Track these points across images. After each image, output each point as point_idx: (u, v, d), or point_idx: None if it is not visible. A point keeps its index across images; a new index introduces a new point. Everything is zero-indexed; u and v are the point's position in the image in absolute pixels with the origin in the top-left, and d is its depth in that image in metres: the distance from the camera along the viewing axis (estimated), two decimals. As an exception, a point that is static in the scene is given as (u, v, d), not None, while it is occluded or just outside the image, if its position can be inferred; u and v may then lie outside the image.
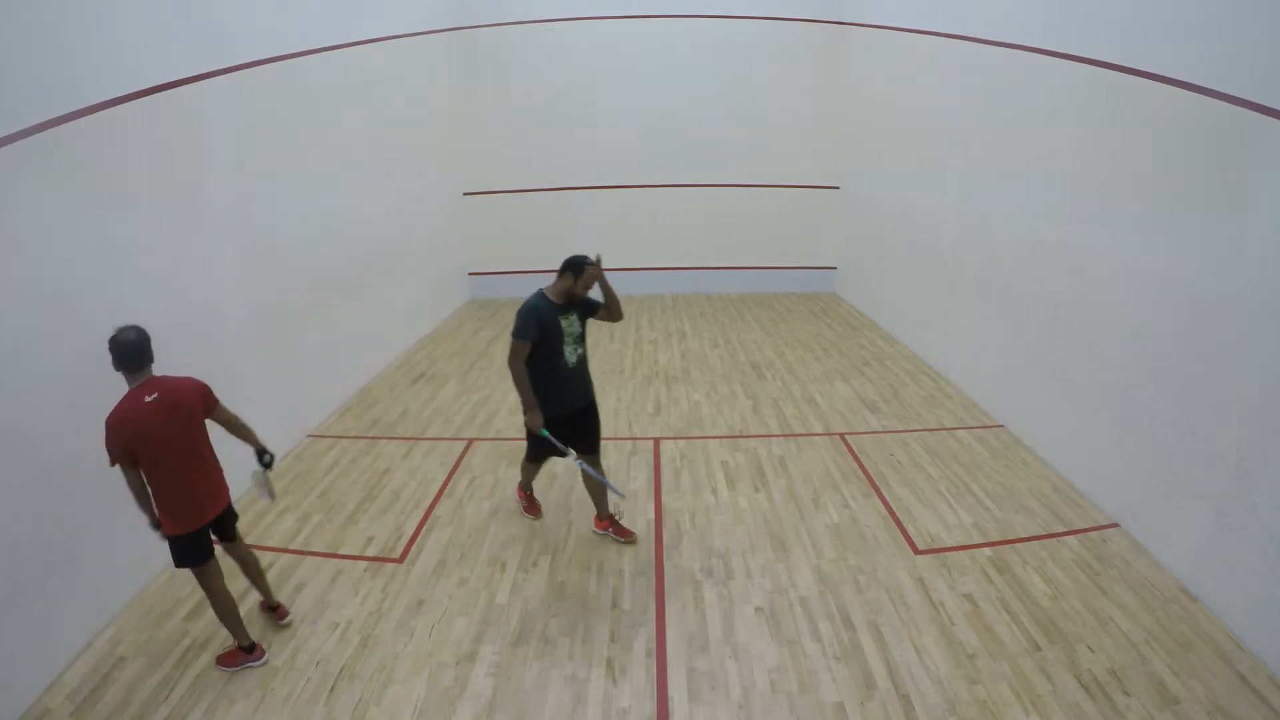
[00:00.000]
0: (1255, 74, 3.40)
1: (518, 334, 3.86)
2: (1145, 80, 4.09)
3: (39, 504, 3.31)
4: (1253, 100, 3.39)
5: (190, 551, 3.26)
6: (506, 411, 6.36)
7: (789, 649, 3.46)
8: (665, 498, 4.84)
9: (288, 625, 3.67)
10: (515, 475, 5.19)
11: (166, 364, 4.19)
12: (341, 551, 4.30)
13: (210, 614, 3.72)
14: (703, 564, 4.13)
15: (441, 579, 4.04)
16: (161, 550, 4.13)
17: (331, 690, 3.24)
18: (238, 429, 3.52)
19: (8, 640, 3.09)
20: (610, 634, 3.59)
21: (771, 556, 4.18)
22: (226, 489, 3.44)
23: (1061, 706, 3.06)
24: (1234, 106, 3.50)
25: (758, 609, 3.75)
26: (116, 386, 3.80)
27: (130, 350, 3.10)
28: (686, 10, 9.68)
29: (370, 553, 4.28)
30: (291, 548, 4.33)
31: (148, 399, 3.12)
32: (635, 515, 4.64)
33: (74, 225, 3.53)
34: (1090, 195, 4.70)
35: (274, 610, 3.71)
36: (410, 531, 4.49)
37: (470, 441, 5.77)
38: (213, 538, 3.38)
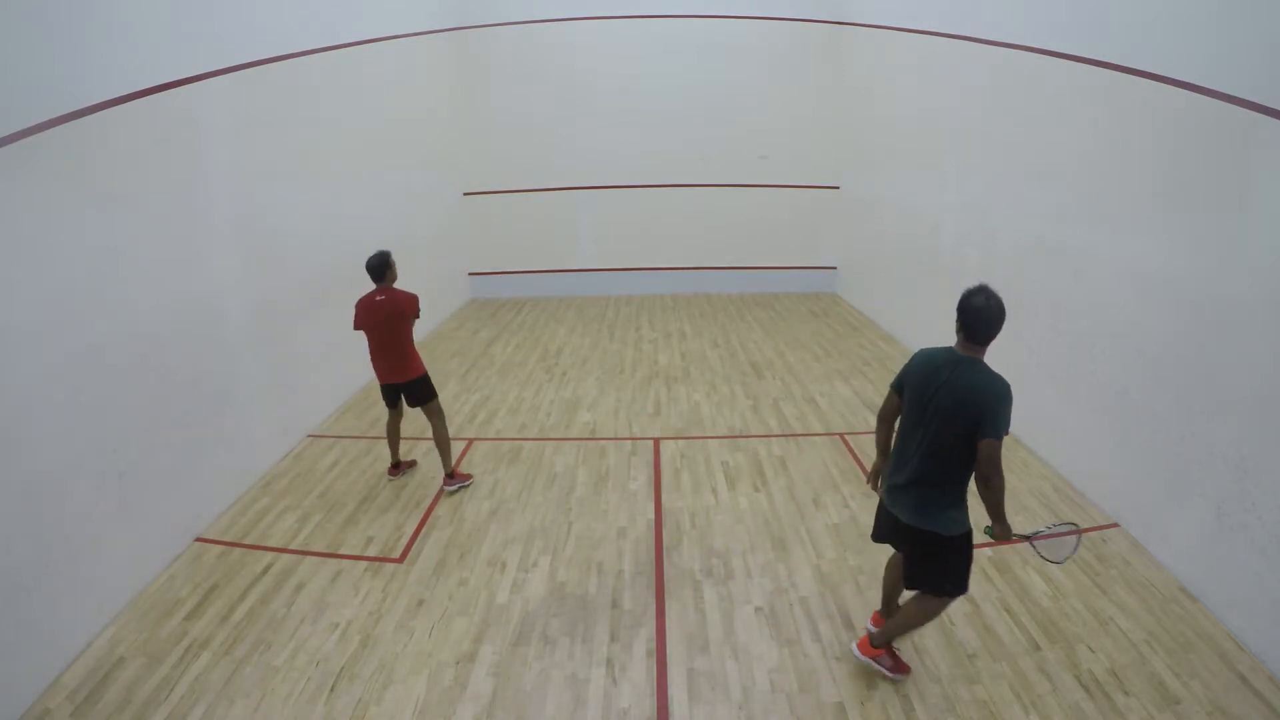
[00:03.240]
0: (1255, 73, 3.40)
1: (1004, 431, 2.94)
2: (1145, 80, 4.09)
3: (39, 504, 3.30)
4: (1252, 100, 3.38)
5: (384, 396, 5.01)
6: (506, 411, 6.36)
7: (789, 649, 3.46)
8: (665, 498, 4.84)
9: (453, 493, 4.88)
10: (515, 475, 5.20)
11: (166, 363, 4.21)
12: (341, 551, 4.30)
13: (210, 614, 3.74)
14: (703, 564, 4.13)
15: (441, 579, 4.04)
16: (161, 550, 4.19)
17: (331, 690, 3.24)
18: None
19: (8, 640, 3.09)
20: (610, 634, 3.59)
21: (771, 556, 4.18)
22: (412, 371, 4.84)
23: (1061, 706, 3.06)
24: (1233, 106, 3.50)
25: (758, 609, 3.75)
26: (116, 387, 3.83)
27: (372, 267, 4.72)
28: (686, 10, 9.69)
29: (370, 553, 4.28)
30: (291, 548, 4.33)
31: (378, 298, 4.71)
32: (636, 515, 4.64)
33: (74, 225, 3.53)
34: (1090, 195, 4.70)
35: (449, 476, 4.94)
36: (410, 531, 4.49)
37: (470, 441, 5.77)
38: (402, 399, 4.97)
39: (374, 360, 4.87)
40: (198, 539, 4.40)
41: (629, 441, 5.71)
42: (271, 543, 4.39)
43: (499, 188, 10.24)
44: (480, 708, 3.15)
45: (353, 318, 4.83)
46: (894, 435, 3.15)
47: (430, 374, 5.03)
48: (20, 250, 3.25)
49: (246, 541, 4.40)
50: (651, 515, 4.62)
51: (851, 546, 4.24)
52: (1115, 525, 4.38)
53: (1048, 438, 5.24)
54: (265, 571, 4.10)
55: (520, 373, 7.35)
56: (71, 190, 3.53)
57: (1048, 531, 3.11)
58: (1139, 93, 4.14)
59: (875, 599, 3.77)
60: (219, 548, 4.33)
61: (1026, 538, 3.05)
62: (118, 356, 3.81)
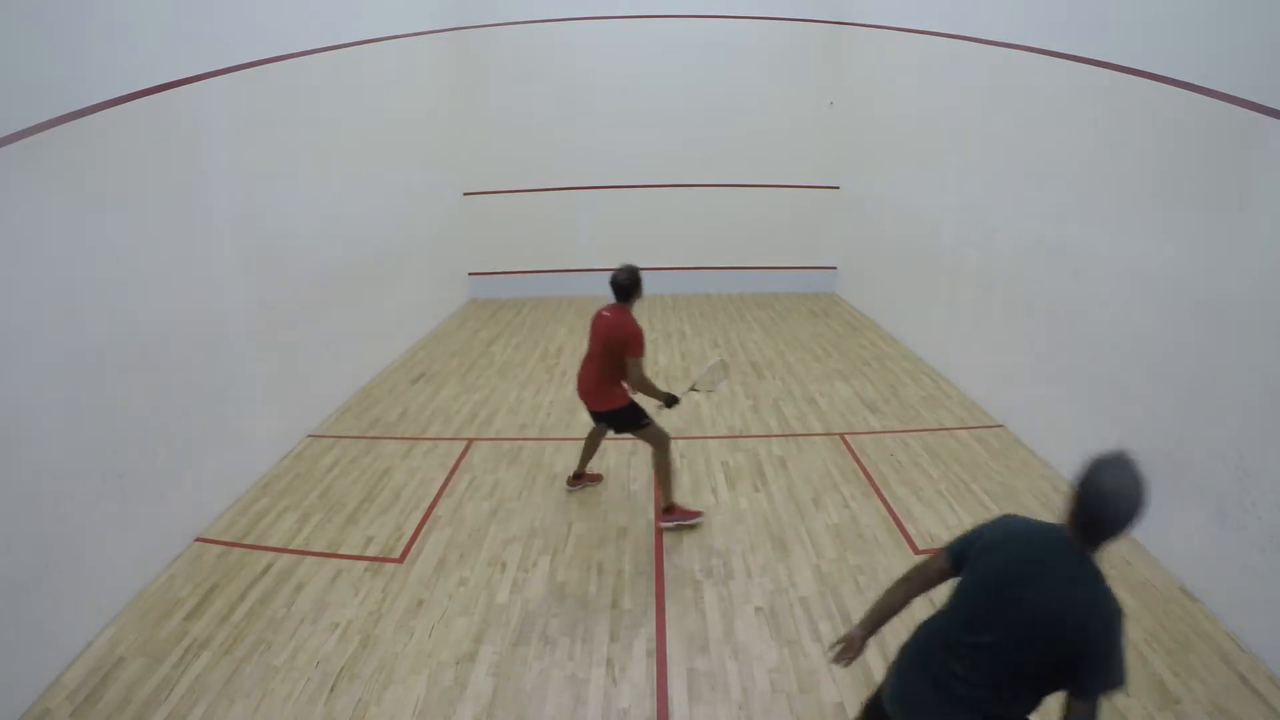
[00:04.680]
0: (1255, 74, 3.40)
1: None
2: (1145, 80, 4.09)
3: (39, 503, 3.30)
4: (1252, 100, 3.39)
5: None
6: (506, 411, 6.36)
7: (789, 649, 3.46)
8: (665, 498, 4.84)
9: (670, 529, 4.44)
10: (514, 475, 5.20)
11: (166, 363, 4.21)
12: (341, 551, 4.30)
13: (210, 614, 3.74)
14: (703, 564, 4.13)
15: (441, 579, 4.04)
16: (161, 550, 4.19)
17: (331, 690, 3.24)
18: (637, 385, 4.25)
19: (7, 640, 3.09)
20: (610, 634, 3.59)
21: (771, 556, 4.18)
22: (605, 401, 4.39)
23: (1062, 706, 3.06)
24: (1233, 106, 3.50)
25: (758, 609, 3.75)
26: (116, 387, 3.83)
27: (617, 282, 4.32)
28: (686, 10, 9.68)
29: (370, 553, 4.28)
30: (291, 548, 4.33)
31: (606, 313, 4.35)
32: (635, 515, 4.64)
33: (74, 225, 3.53)
34: (1090, 195, 4.70)
35: (666, 511, 4.47)
36: (410, 531, 4.50)
37: (470, 441, 5.77)
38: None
39: (578, 376, 4.57)
40: (198, 539, 4.40)
41: (629, 442, 5.71)
42: (271, 543, 4.39)
43: (499, 188, 10.24)
44: (480, 708, 3.15)
45: None
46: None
47: (429, 375, 5.00)
48: (20, 250, 3.25)
49: (246, 541, 4.40)
50: (651, 515, 4.62)
51: (851, 546, 4.24)
52: (1115, 525, 4.38)
53: (1048, 437, 5.24)
54: (265, 571, 4.10)
55: (520, 373, 7.35)
56: (71, 190, 3.53)
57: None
58: (1139, 93, 4.14)
59: (875, 599, 3.76)
60: (219, 548, 4.33)
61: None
62: (118, 356, 3.81)
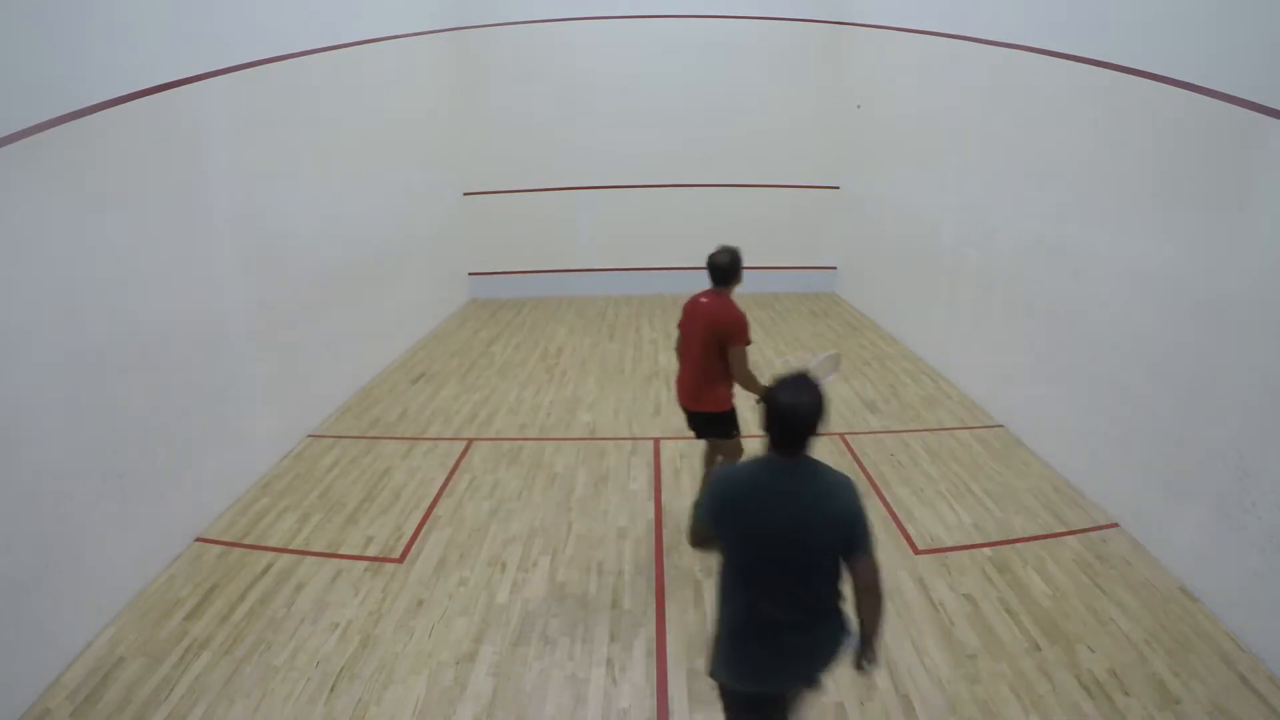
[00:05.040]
0: (1255, 74, 3.40)
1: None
2: (1145, 80, 4.09)
3: (39, 503, 3.30)
4: (1252, 100, 3.39)
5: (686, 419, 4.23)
6: (506, 411, 6.36)
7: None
8: (665, 497, 4.84)
9: None
10: (514, 475, 5.20)
11: (166, 363, 4.21)
12: (341, 551, 4.30)
13: (210, 614, 3.73)
14: (703, 564, 4.12)
15: (441, 579, 4.04)
16: (161, 550, 4.20)
17: (331, 690, 3.24)
18: (741, 377, 3.85)
19: (7, 640, 3.09)
20: (610, 634, 3.59)
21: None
22: (706, 401, 4.00)
23: (1061, 706, 3.06)
24: (1234, 106, 3.50)
25: (758, 609, 3.74)
26: (116, 387, 3.83)
27: (716, 265, 3.96)
28: (686, 10, 9.68)
29: (370, 553, 4.28)
30: (291, 548, 4.33)
31: (703, 299, 3.98)
32: (635, 515, 4.64)
33: (74, 225, 3.53)
34: (1090, 195, 4.70)
35: None
36: (410, 531, 4.49)
37: (470, 441, 5.77)
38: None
39: (677, 371, 4.17)
40: (198, 539, 4.40)
41: (629, 442, 5.71)
42: (271, 543, 4.39)
43: (499, 188, 10.24)
44: (480, 708, 3.15)
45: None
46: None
47: (429, 375, 4.99)
48: (20, 250, 3.25)
49: (246, 541, 4.40)
50: (651, 515, 4.62)
51: (851, 546, 4.24)
52: (1115, 525, 4.38)
53: (1048, 438, 5.24)
54: (265, 571, 4.10)
55: (520, 373, 7.35)
56: (71, 190, 3.53)
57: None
58: (1139, 93, 4.14)
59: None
60: (219, 548, 4.33)
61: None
62: (118, 356, 3.81)
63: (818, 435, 2.17)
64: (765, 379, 2.82)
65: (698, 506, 2.76)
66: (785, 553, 2.17)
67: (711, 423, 4.08)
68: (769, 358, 7.66)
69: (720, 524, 2.26)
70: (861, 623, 2.29)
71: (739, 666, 2.34)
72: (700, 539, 2.86)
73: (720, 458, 4.15)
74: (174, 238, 4.32)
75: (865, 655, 2.32)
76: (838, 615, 2.31)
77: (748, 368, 3.79)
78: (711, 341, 3.83)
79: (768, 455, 2.22)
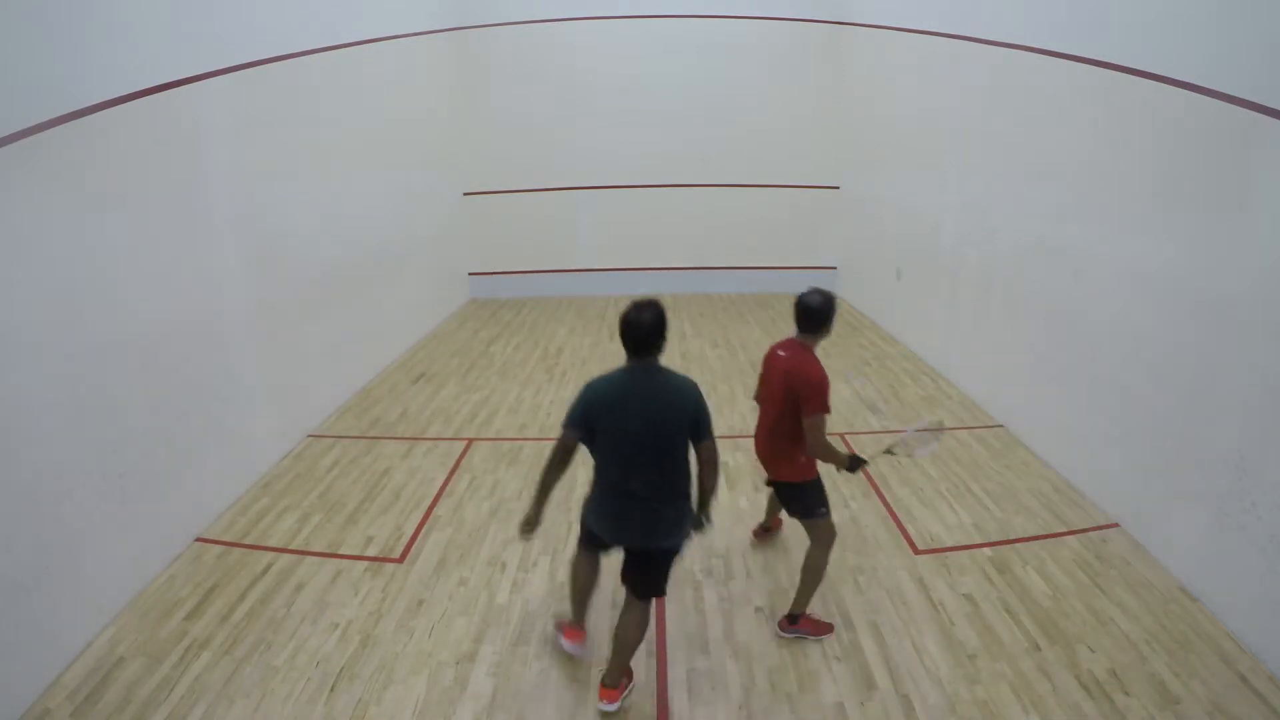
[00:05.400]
0: (1255, 74, 3.40)
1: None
2: (1145, 80, 4.09)
3: (39, 503, 3.30)
4: (1252, 100, 3.39)
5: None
6: (506, 411, 6.36)
7: (789, 649, 3.46)
8: (665, 498, 4.83)
9: (790, 639, 3.53)
10: (514, 475, 5.20)
11: (166, 363, 4.21)
12: (341, 551, 4.30)
13: (210, 614, 3.73)
14: (703, 564, 4.13)
15: (441, 579, 4.04)
16: (161, 550, 4.20)
17: (331, 690, 3.24)
18: (815, 452, 3.32)
19: (7, 640, 3.09)
20: (610, 634, 3.58)
21: (771, 557, 4.18)
22: (783, 470, 3.49)
23: (1061, 706, 3.06)
24: (1233, 106, 3.50)
25: (758, 609, 3.75)
26: (116, 387, 3.83)
27: (806, 308, 3.35)
28: (686, 10, 9.68)
29: (370, 553, 4.28)
30: (291, 548, 4.33)
31: (781, 352, 3.43)
32: (635, 515, 4.64)
33: (74, 225, 3.53)
34: (1090, 195, 4.70)
35: (791, 619, 3.54)
36: (410, 531, 4.49)
37: (470, 441, 5.77)
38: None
39: (757, 423, 3.63)
40: (198, 539, 4.40)
41: (629, 441, 5.70)
42: (271, 543, 4.38)
43: (499, 188, 10.24)
44: (480, 708, 3.15)
45: None
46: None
47: (429, 375, 4.98)
48: (20, 250, 3.25)
49: (246, 541, 4.40)
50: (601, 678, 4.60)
51: (851, 546, 4.24)
52: (1115, 525, 4.38)
53: (1048, 438, 5.24)
54: (265, 571, 4.10)
55: (520, 373, 7.35)
56: (71, 190, 3.53)
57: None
58: (1139, 93, 4.14)
59: (875, 599, 3.77)
60: (219, 548, 4.33)
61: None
62: (118, 356, 3.81)
63: (662, 345, 2.91)
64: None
65: (571, 412, 2.97)
66: (646, 441, 2.86)
67: (791, 497, 3.55)
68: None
69: (595, 421, 2.90)
70: (702, 489, 3.01)
71: (600, 521, 3.11)
72: (563, 453, 3.02)
73: (811, 545, 3.52)
74: (174, 238, 4.32)
75: (703, 514, 3.07)
76: (684, 500, 3.01)
77: (823, 437, 3.24)
78: (788, 401, 3.30)
79: (628, 365, 2.92)
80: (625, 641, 3.10)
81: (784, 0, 9.66)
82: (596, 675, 3.31)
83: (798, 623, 3.50)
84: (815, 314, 3.30)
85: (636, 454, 2.89)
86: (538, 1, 9.68)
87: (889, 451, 3.59)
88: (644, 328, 2.85)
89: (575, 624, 3.47)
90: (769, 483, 3.70)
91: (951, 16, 6.54)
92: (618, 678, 3.13)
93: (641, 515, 2.96)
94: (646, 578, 3.09)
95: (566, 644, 3.42)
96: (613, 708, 3.09)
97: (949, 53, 6.56)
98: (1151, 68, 4.05)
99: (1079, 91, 4.76)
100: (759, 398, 3.64)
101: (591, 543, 3.30)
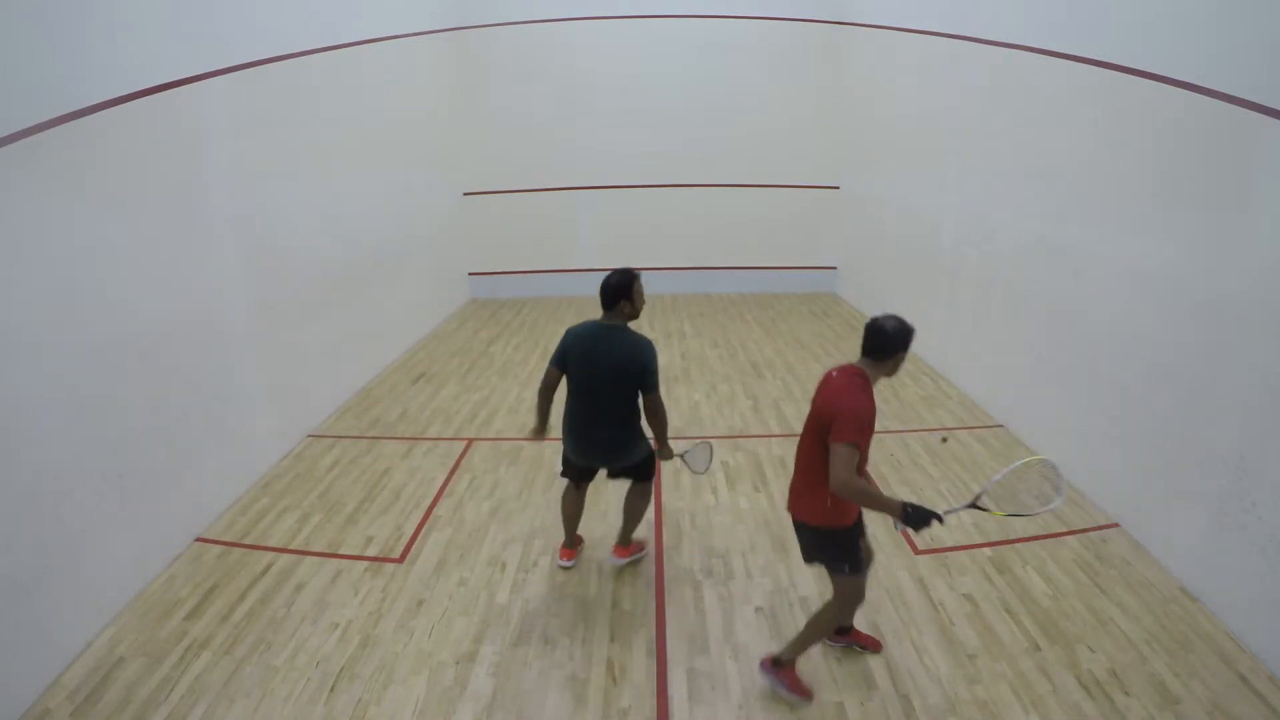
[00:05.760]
0: (1255, 73, 3.40)
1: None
2: (1145, 80, 4.09)
3: (39, 504, 3.30)
4: (1252, 100, 3.39)
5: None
6: (506, 411, 6.36)
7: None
8: (665, 498, 4.83)
9: None
10: (514, 475, 5.20)
11: (166, 363, 4.21)
12: (341, 551, 4.30)
13: (210, 614, 3.73)
14: (703, 564, 4.13)
15: (441, 579, 4.04)
16: (161, 550, 4.19)
17: (331, 690, 3.24)
18: (841, 487, 2.76)
19: (7, 640, 3.09)
20: (610, 634, 3.59)
21: (772, 557, 4.18)
22: (807, 510, 3.00)
23: (1061, 706, 3.06)
24: (1233, 106, 3.50)
25: (758, 609, 3.75)
26: (116, 387, 3.82)
27: (880, 331, 2.86)
28: (686, 10, 9.68)
29: (370, 553, 4.28)
30: (291, 548, 4.33)
31: (833, 374, 2.98)
32: (635, 515, 4.64)
33: (73, 225, 3.53)
34: (1090, 195, 4.70)
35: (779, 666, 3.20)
36: (410, 531, 4.49)
37: (470, 441, 5.77)
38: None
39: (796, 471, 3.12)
40: (198, 539, 4.40)
41: (629, 441, 5.70)
42: (271, 543, 4.38)
43: (499, 188, 10.24)
44: (480, 708, 3.15)
45: None
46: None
47: (429, 375, 4.96)
48: (20, 250, 3.25)
49: (246, 541, 4.40)
50: (651, 515, 4.62)
51: (851, 546, 4.24)
52: (1115, 525, 4.38)
53: (1048, 438, 5.24)
54: (265, 571, 4.10)
55: (520, 373, 7.35)
56: (71, 190, 3.53)
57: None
58: (1139, 93, 4.14)
59: (875, 599, 3.77)
60: (219, 548, 4.33)
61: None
62: (118, 356, 3.81)
63: (623, 302, 3.57)
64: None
65: (555, 353, 3.67)
66: (605, 384, 3.57)
67: (815, 544, 3.08)
68: (774, 357, 7.66)
69: (571, 360, 3.60)
70: (655, 432, 3.73)
71: (575, 445, 3.77)
72: (547, 386, 3.71)
73: (831, 600, 3.09)
74: (174, 237, 4.32)
75: (661, 453, 3.83)
76: (638, 431, 3.74)
77: (847, 470, 2.71)
78: (820, 428, 2.87)
79: (600, 319, 3.61)
80: (632, 512, 3.95)
81: (784, 0, 9.66)
82: (597, 677, 3.31)
83: (780, 670, 3.13)
84: (883, 335, 2.84)
85: (596, 392, 3.59)
86: (538, 1, 9.69)
87: (976, 505, 3.02)
88: (610, 286, 3.57)
89: (568, 545, 4.12)
90: (796, 529, 3.16)
91: (951, 16, 6.54)
92: (628, 540, 4.03)
93: (605, 441, 3.69)
94: (632, 473, 3.87)
95: (562, 562, 4.08)
96: (621, 562, 4.04)
97: (949, 53, 6.56)
98: (1151, 68, 4.05)
99: (1079, 91, 4.76)
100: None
101: (573, 475, 3.94)
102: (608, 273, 3.64)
